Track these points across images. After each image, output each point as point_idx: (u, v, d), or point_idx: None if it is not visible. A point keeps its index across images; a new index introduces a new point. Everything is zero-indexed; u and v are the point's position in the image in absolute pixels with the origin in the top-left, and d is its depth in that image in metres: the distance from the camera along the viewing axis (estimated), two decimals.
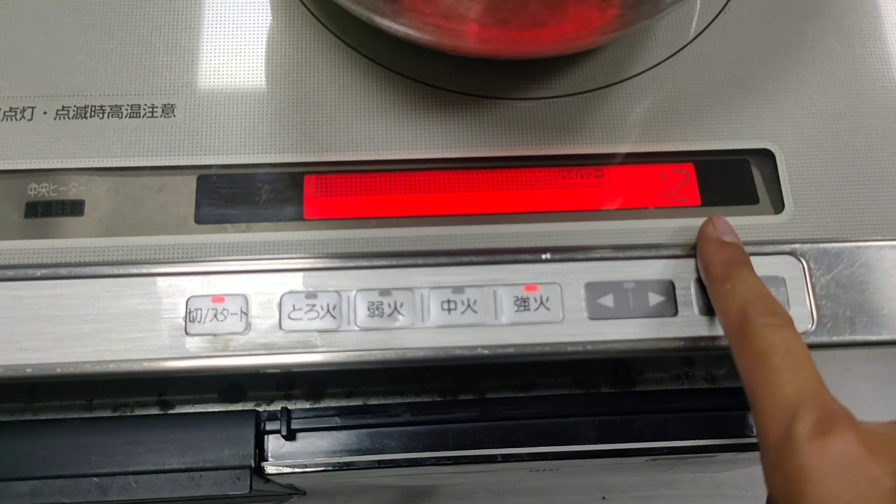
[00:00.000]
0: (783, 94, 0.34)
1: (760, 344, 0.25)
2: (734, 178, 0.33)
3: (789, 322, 0.26)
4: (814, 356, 0.64)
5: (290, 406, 0.37)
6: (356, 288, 0.30)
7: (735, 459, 0.41)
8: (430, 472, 0.40)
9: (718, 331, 0.30)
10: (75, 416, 0.36)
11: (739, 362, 0.26)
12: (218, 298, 0.30)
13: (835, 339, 0.30)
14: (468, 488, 0.66)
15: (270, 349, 0.29)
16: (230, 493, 0.34)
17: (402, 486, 0.61)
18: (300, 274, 0.30)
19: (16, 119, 0.32)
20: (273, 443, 0.36)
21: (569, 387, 0.38)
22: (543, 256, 0.31)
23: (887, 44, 0.36)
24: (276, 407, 0.37)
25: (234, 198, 0.31)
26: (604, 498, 0.69)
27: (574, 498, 0.69)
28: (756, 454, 0.37)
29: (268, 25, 0.35)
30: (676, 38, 0.35)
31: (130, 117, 0.32)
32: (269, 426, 0.36)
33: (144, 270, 0.30)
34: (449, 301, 0.30)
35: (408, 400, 0.37)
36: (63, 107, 0.32)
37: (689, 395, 0.37)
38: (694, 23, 0.36)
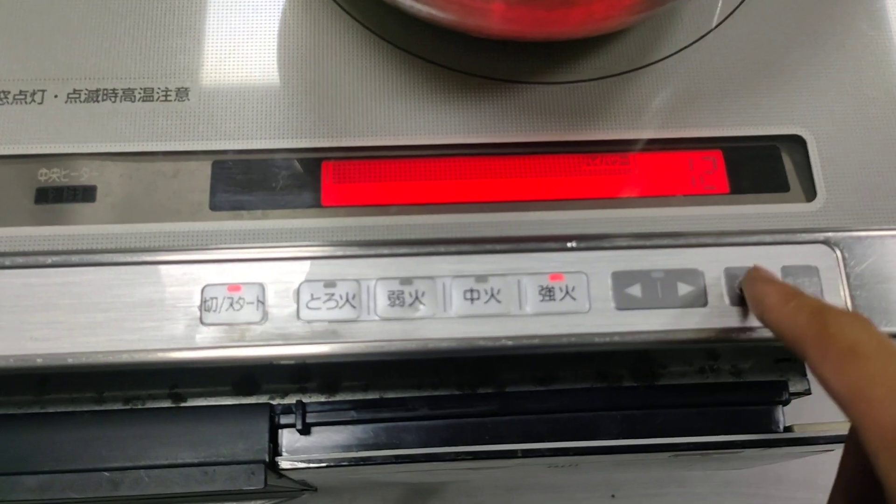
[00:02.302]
0: (813, 78, 0.33)
1: (847, 339, 0.23)
2: (764, 165, 0.32)
3: (869, 321, 0.23)
4: None
5: (305, 399, 0.36)
6: (376, 277, 0.29)
7: (759, 455, 0.41)
8: (445, 467, 0.39)
9: (751, 322, 0.29)
10: (86, 408, 0.35)
11: (824, 367, 0.23)
12: (234, 287, 0.29)
13: None
14: (476, 485, 0.65)
15: (288, 339, 0.28)
16: (244, 489, 0.33)
17: (411, 482, 0.60)
18: (318, 262, 0.29)
19: (26, 102, 0.31)
20: (288, 437, 0.35)
21: (590, 380, 0.37)
22: (569, 245, 0.30)
23: None
24: (291, 400, 0.36)
25: (250, 184, 0.31)
26: (613, 496, 0.68)
27: (583, 495, 0.68)
28: (781, 450, 0.36)
29: (284, 7, 0.34)
30: (703, 20, 0.35)
31: (143, 101, 0.31)
32: (284, 420, 0.35)
33: (158, 258, 0.29)
34: (472, 290, 0.29)
35: (425, 393, 0.36)
36: (74, 90, 0.31)
37: (713, 388, 0.36)
38: (720, 5, 0.35)
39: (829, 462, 0.29)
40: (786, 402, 0.36)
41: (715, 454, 0.39)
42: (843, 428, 0.36)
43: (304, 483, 0.42)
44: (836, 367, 0.23)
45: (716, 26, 0.34)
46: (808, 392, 0.37)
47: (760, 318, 0.27)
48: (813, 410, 0.39)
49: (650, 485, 0.68)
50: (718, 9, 0.35)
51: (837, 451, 0.39)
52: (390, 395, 0.36)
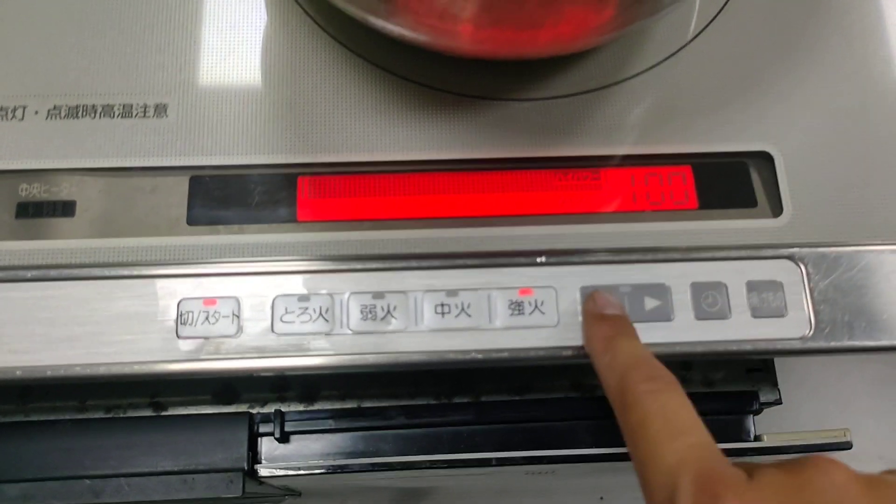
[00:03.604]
0: (784, 94, 0.34)
1: (639, 413, 0.24)
2: (732, 181, 0.32)
3: (671, 384, 0.25)
4: (811, 360, 0.63)
5: (284, 408, 0.36)
6: (349, 291, 0.30)
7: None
8: (425, 474, 0.40)
9: (715, 335, 0.30)
10: (68, 417, 0.36)
11: (625, 434, 0.25)
12: (210, 301, 0.29)
13: (833, 344, 0.30)
14: (465, 489, 0.66)
15: (262, 352, 0.29)
16: (223, 496, 0.34)
17: (398, 487, 0.61)
18: (293, 276, 0.30)
19: (7, 118, 0.32)
20: (266, 445, 0.36)
21: (565, 390, 0.37)
22: (538, 260, 0.30)
23: (889, 44, 0.35)
24: (270, 409, 0.36)
25: (227, 199, 0.31)
26: (601, 498, 0.69)
27: (572, 498, 0.69)
28: (752, 458, 0.37)
29: (262, 24, 0.34)
30: (675, 37, 0.35)
31: (122, 117, 0.32)
32: (263, 428, 0.35)
33: (136, 272, 0.30)
34: (443, 304, 0.30)
35: (402, 403, 0.37)
36: (55, 106, 0.32)
37: None
38: (693, 22, 0.36)
39: None
40: (757, 412, 0.37)
41: None
42: (814, 437, 0.36)
43: (286, 489, 0.43)
44: (629, 439, 0.24)
45: (688, 42, 0.35)
46: (778, 402, 0.37)
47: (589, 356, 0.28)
48: (783, 420, 0.39)
49: (638, 488, 0.68)
50: (692, 25, 0.36)
51: None
52: (368, 404, 0.37)
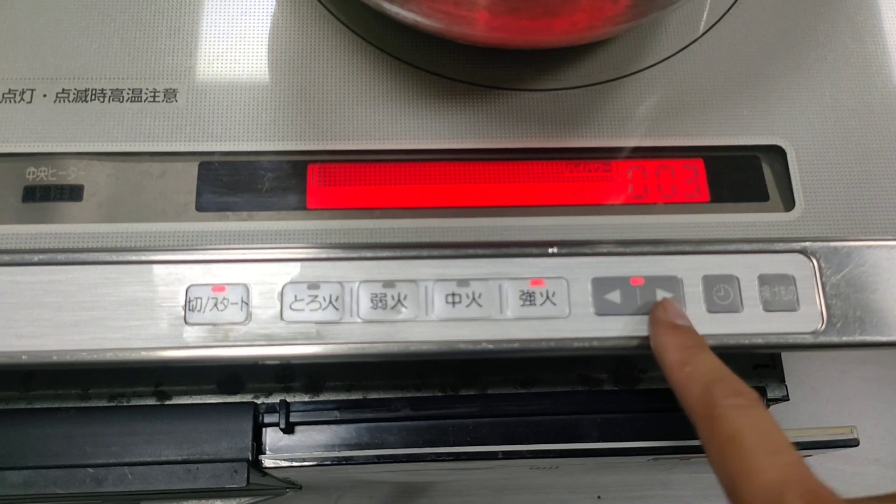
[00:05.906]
0: (795, 89, 0.34)
1: (730, 427, 0.24)
2: (744, 175, 0.32)
3: (757, 401, 0.25)
4: (815, 356, 0.63)
5: (289, 399, 0.36)
6: (359, 279, 0.30)
7: None
8: (428, 468, 0.40)
9: (727, 328, 0.29)
10: (71, 405, 0.35)
11: (710, 448, 0.24)
12: (218, 287, 0.29)
13: (844, 339, 0.30)
14: (464, 485, 0.66)
15: (271, 340, 0.29)
16: (227, 487, 0.33)
17: (398, 481, 0.61)
18: (302, 264, 0.30)
19: (15, 101, 0.31)
20: (271, 436, 0.36)
21: (572, 384, 0.37)
22: (550, 250, 0.30)
23: None
24: (275, 399, 0.36)
25: (237, 185, 0.31)
26: (599, 497, 0.69)
27: (570, 496, 0.68)
28: None
29: (273, 10, 0.34)
30: (687, 31, 0.35)
31: (132, 101, 0.32)
32: (268, 419, 0.35)
33: (144, 258, 0.29)
34: (453, 294, 0.30)
35: (408, 394, 0.37)
36: (63, 89, 0.32)
37: None
38: (705, 16, 0.35)
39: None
40: None
41: (694, 458, 0.39)
42: (821, 434, 0.36)
43: (288, 481, 0.43)
44: (717, 453, 0.24)
45: (700, 36, 0.35)
46: (785, 398, 0.37)
47: (661, 369, 0.28)
48: (783, 418, 0.39)
49: (636, 487, 0.68)
50: (703, 19, 0.35)
51: (815, 456, 0.39)
52: (373, 395, 0.37)
